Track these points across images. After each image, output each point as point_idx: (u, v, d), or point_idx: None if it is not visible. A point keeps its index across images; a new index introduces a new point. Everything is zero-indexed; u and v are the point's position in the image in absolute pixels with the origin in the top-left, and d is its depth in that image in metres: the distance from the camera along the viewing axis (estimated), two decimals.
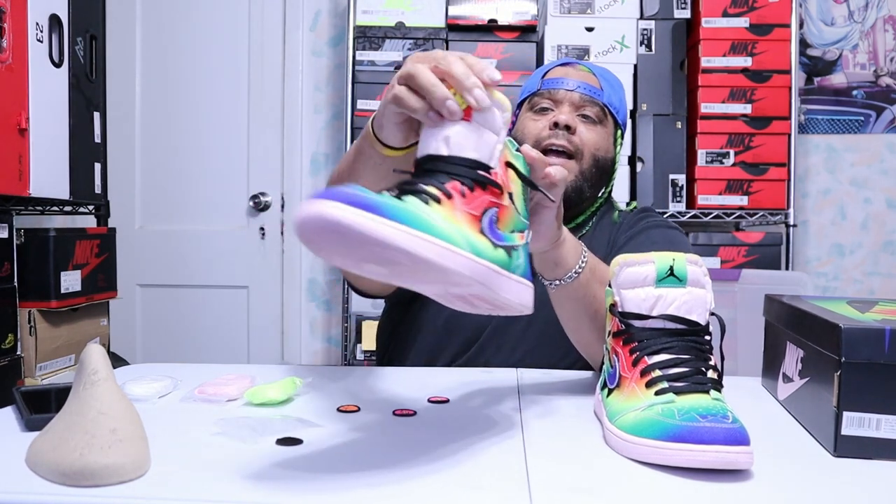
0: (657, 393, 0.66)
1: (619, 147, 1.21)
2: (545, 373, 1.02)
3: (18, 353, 1.73)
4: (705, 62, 2.24)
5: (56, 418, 0.63)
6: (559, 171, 0.74)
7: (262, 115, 2.70)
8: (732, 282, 1.93)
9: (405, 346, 1.18)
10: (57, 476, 0.57)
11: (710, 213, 2.26)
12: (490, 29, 2.29)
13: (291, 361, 2.70)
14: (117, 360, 2.11)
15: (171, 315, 2.75)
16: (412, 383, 0.95)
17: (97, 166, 2.02)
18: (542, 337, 1.12)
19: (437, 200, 0.59)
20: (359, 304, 2.36)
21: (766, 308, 0.94)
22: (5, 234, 1.69)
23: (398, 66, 2.27)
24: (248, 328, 2.74)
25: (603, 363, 0.79)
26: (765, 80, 2.24)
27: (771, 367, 0.91)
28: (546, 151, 1.10)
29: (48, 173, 1.75)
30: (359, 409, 0.81)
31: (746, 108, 2.24)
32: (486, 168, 0.64)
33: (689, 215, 2.27)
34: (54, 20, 1.77)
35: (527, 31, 2.30)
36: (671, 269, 0.71)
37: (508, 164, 0.67)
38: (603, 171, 1.17)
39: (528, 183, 0.70)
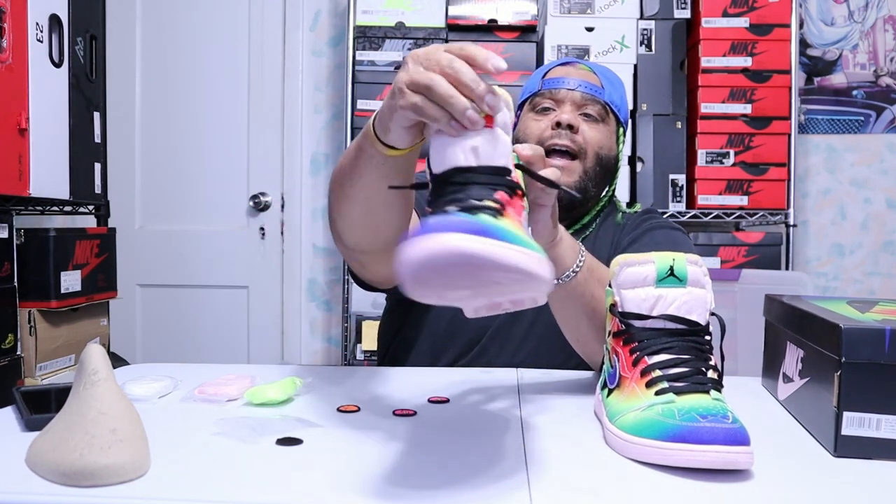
0: (657, 393, 0.66)
1: (621, 144, 1.21)
2: (545, 373, 1.02)
3: (18, 353, 1.73)
4: (705, 62, 2.24)
5: (56, 418, 0.63)
6: (553, 173, 0.74)
7: (262, 115, 2.70)
8: (732, 282, 1.93)
9: (407, 348, 1.18)
10: (57, 476, 0.57)
11: (710, 213, 2.26)
12: (490, 29, 2.29)
13: (291, 361, 2.70)
14: (117, 360, 2.11)
15: (171, 315, 2.75)
16: (412, 383, 0.95)
17: (97, 166, 2.02)
18: (544, 338, 1.12)
19: (501, 213, 0.58)
20: (359, 304, 2.36)
21: (766, 308, 0.94)
22: (5, 234, 1.69)
23: (398, 66, 2.27)
24: (248, 328, 2.74)
25: (602, 363, 0.79)
26: (765, 80, 2.24)
27: (771, 367, 0.91)
28: (549, 152, 1.10)
29: (48, 173, 1.75)
30: (359, 410, 0.81)
31: (746, 108, 2.24)
32: (510, 172, 0.64)
33: (689, 215, 2.27)
34: (54, 20, 1.77)
35: (527, 31, 2.30)
36: (671, 269, 0.71)
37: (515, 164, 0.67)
38: (606, 169, 1.18)
39: (536, 178, 0.70)
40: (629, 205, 1.31)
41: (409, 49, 2.27)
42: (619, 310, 0.73)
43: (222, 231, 2.73)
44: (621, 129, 1.20)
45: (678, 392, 0.65)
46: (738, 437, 0.59)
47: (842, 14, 2.58)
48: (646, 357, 0.69)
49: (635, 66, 2.27)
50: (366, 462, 0.64)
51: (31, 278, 1.77)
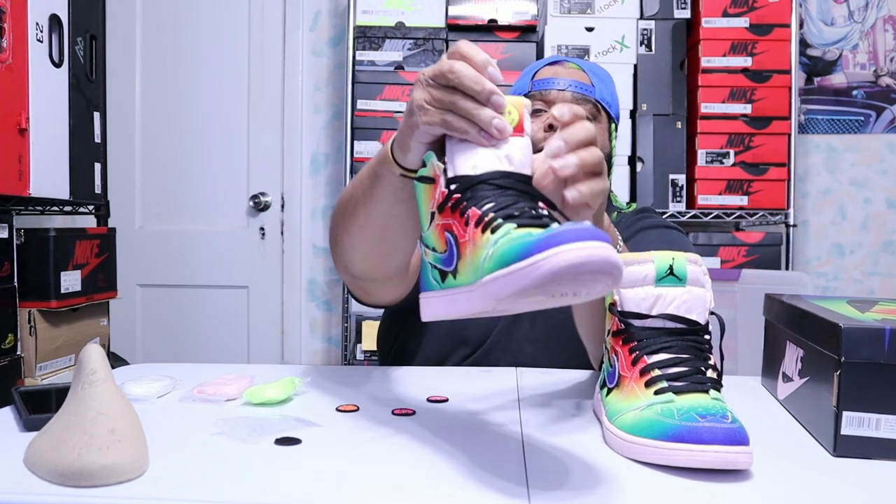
0: (656, 392, 0.66)
1: (614, 141, 1.20)
2: (545, 372, 1.02)
3: (18, 353, 1.73)
4: (705, 62, 2.24)
5: (54, 418, 0.63)
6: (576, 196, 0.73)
7: (262, 115, 2.71)
8: (732, 282, 1.93)
9: (410, 354, 1.18)
10: (55, 476, 0.57)
11: (710, 213, 2.26)
12: (490, 29, 2.29)
13: (291, 361, 2.70)
14: (117, 360, 2.11)
15: (171, 315, 2.75)
16: (411, 383, 0.95)
17: (97, 166, 2.02)
18: (547, 337, 1.12)
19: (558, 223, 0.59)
20: (359, 304, 2.36)
21: (765, 307, 0.94)
22: (5, 234, 1.69)
23: (398, 66, 2.27)
24: (248, 328, 2.74)
25: (602, 362, 0.79)
26: (765, 80, 2.24)
27: (771, 367, 0.91)
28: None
29: (48, 173, 1.75)
30: (358, 409, 0.81)
31: (746, 108, 2.24)
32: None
33: (689, 215, 2.27)
34: (54, 20, 1.77)
35: (527, 31, 2.30)
36: (671, 268, 0.70)
37: None
38: None
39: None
40: (628, 204, 1.31)
41: (409, 49, 2.27)
42: (619, 309, 0.72)
43: (222, 231, 2.73)
44: (613, 126, 1.20)
45: (677, 391, 0.65)
46: (738, 437, 0.59)
47: (842, 14, 2.58)
48: (645, 356, 0.69)
49: (635, 66, 2.27)
50: (365, 462, 0.64)
51: (31, 278, 1.77)
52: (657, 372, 0.67)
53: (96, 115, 2.01)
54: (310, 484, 0.58)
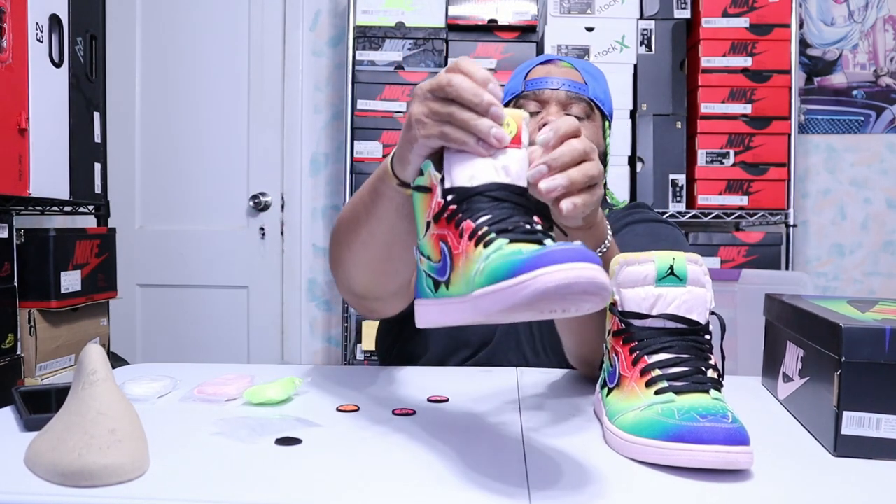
0: (657, 392, 0.66)
1: (608, 139, 1.20)
2: (545, 372, 1.02)
3: (18, 353, 1.73)
4: (705, 62, 2.24)
5: (55, 418, 0.63)
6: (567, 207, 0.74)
7: (262, 115, 2.70)
8: (732, 282, 1.93)
9: (411, 356, 1.17)
10: (55, 476, 0.57)
11: (710, 213, 2.26)
12: (490, 29, 2.29)
13: (291, 361, 2.70)
14: (117, 360, 2.11)
15: (171, 315, 2.75)
16: (412, 383, 0.95)
17: (97, 166, 2.02)
18: (547, 341, 1.11)
19: (554, 237, 0.60)
20: None
21: (766, 307, 0.94)
22: (5, 234, 1.69)
23: (398, 66, 2.27)
24: (248, 328, 2.74)
25: (602, 363, 0.79)
26: (765, 80, 2.24)
27: (771, 367, 0.91)
28: None
29: (48, 173, 1.75)
30: (358, 409, 0.81)
31: (746, 108, 2.24)
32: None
33: (689, 215, 2.27)
34: (54, 20, 1.77)
35: (527, 31, 2.30)
36: (671, 268, 0.70)
37: None
38: None
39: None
40: (623, 201, 1.30)
41: (409, 49, 2.27)
42: (619, 309, 0.72)
43: (222, 231, 2.73)
44: (607, 123, 1.19)
45: (678, 391, 0.65)
46: (738, 437, 0.59)
47: (842, 14, 2.58)
48: (645, 356, 0.69)
49: (635, 66, 2.27)
50: (365, 461, 0.64)
51: (31, 278, 1.77)
52: (658, 372, 0.67)
53: (96, 115, 2.01)
54: (310, 484, 0.58)
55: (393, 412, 0.79)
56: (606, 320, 0.77)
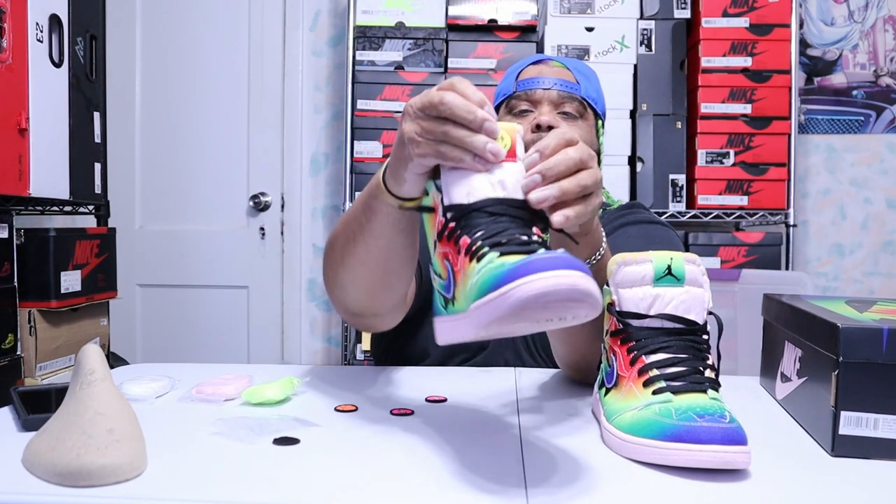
0: (655, 392, 0.66)
1: (601, 137, 1.20)
2: (543, 372, 1.02)
3: (18, 353, 1.73)
4: (705, 62, 2.24)
5: (53, 418, 0.63)
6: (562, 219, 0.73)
7: (262, 115, 2.71)
8: (732, 282, 1.93)
9: (409, 359, 1.17)
10: (54, 476, 0.57)
11: (710, 213, 2.26)
12: (490, 29, 2.29)
13: (291, 361, 2.70)
14: (117, 360, 2.11)
15: (171, 315, 2.75)
16: (410, 383, 0.95)
17: (97, 166, 2.02)
18: (544, 346, 1.11)
19: (547, 247, 0.60)
20: None
21: (764, 307, 0.94)
22: (5, 234, 1.69)
23: (398, 66, 2.27)
24: (248, 328, 2.75)
25: (596, 367, 0.79)
26: (765, 80, 2.24)
27: (769, 367, 0.91)
28: None
29: (48, 173, 1.75)
30: (357, 409, 0.81)
31: (746, 108, 2.24)
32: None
33: (689, 215, 2.27)
34: (54, 20, 1.77)
35: (527, 31, 2.30)
36: (669, 268, 0.70)
37: None
38: None
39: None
40: (618, 201, 1.29)
41: (409, 49, 2.27)
42: (617, 309, 0.72)
43: (222, 231, 2.73)
44: (600, 122, 1.19)
45: (675, 391, 0.65)
46: (736, 437, 0.59)
47: (842, 14, 2.58)
48: (643, 356, 0.69)
49: (635, 66, 2.27)
50: (363, 461, 0.64)
51: (31, 278, 1.77)
52: (655, 372, 0.67)
53: (96, 115, 2.01)
54: (308, 484, 0.58)
55: (391, 412, 0.80)
56: (604, 320, 0.77)
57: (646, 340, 0.70)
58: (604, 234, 0.82)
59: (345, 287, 0.87)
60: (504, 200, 0.63)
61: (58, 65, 1.79)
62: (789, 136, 2.26)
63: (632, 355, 0.70)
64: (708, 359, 0.70)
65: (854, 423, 0.65)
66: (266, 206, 2.71)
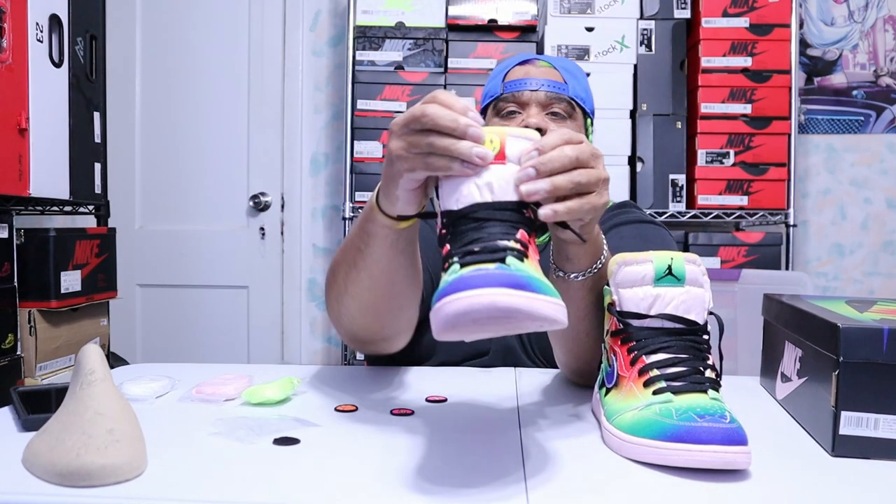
0: (655, 392, 0.66)
1: (590, 136, 1.19)
2: (543, 372, 1.02)
3: (18, 353, 1.73)
4: (705, 62, 2.24)
5: (53, 419, 0.63)
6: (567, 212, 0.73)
7: (262, 115, 2.71)
8: (732, 282, 1.93)
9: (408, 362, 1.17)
10: (53, 476, 0.57)
11: (710, 213, 2.26)
12: (490, 29, 2.29)
13: (291, 361, 2.70)
14: (117, 360, 2.11)
15: (171, 315, 2.75)
16: (410, 383, 0.95)
17: (97, 166, 2.02)
18: (539, 340, 1.11)
19: (525, 255, 0.61)
20: None
21: (764, 307, 0.94)
22: (5, 234, 1.69)
23: (398, 66, 2.27)
24: (248, 328, 2.74)
25: (596, 372, 0.79)
26: (765, 80, 2.24)
27: (769, 367, 0.91)
28: None
29: (48, 173, 1.75)
30: (357, 409, 0.81)
31: (746, 108, 2.24)
32: (526, 206, 0.65)
33: (689, 215, 2.27)
34: (54, 20, 1.77)
35: (527, 31, 2.30)
36: (669, 268, 0.70)
37: None
38: None
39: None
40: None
41: (409, 49, 2.27)
42: (617, 309, 0.72)
43: (222, 231, 2.73)
44: (589, 121, 1.18)
45: (676, 391, 0.65)
46: (736, 437, 0.59)
47: (842, 14, 2.58)
48: (643, 356, 0.69)
49: (635, 66, 2.27)
50: (363, 462, 0.64)
51: (31, 278, 1.77)
52: (656, 372, 0.67)
53: (96, 115, 2.01)
54: (308, 484, 0.58)
55: (391, 412, 0.80)
56: (605, 320, 0.77)
57: (646, 340, 0.70)
58: (605, 242, 0.81)
59: (352, 316, 0.87)
60: (490, 204, 0.63)
61: (58, 65, 1.79)
62: (789, 136, 2.26)
63: (632, 355, 0.70)
64: (708, 359, 0.70)
65: (854, 423, 0.65)
66: (266, 206, 2.71)
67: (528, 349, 1.13)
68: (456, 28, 2.29)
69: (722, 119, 2.25)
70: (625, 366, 0.70)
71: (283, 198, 2.71)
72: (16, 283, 1.73)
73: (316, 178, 2.71)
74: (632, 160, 2.28)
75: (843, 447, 0.66)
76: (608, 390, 0.72)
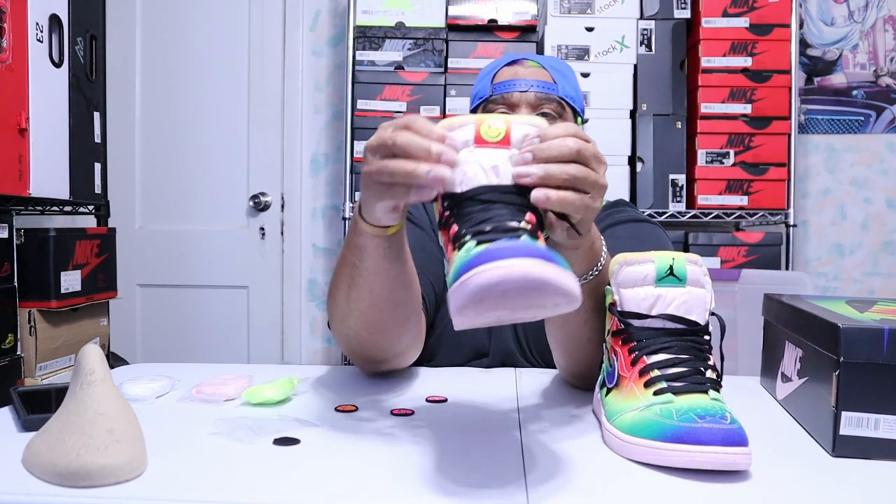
0: (655, 393, 0.66)
1: None
2: (544, 372, 1.02)
3: (18, 353, 1.73)
4: (705, 62, 2.24)
5: (53, 419, 0.63)
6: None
7: (262, 115, 2.70)
8: (732, 282, 1.92)
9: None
10: (53, 477, 0.57)
11: (710, 213, 2.26)
12: (490, 29, 2.29)
13: (291, 361, 2.70)
14: (117, 360, 2.11)
15: (171, 315, 2.75)
16: (410, 383, 0.95)
17: (97, 166, 2.02)
18: (537, 342, 1.11)
19: (536, 235, 0.61)
20: None
21: (765, 307, 0.94)
22: (5, 234, 1.69)
23: (398, 66, 2.27)
24: (248, 328, 2.74)
25: (601, 365, 0.79)
26: (765, 80, 2.24)
27: (770, 367, 0.91)
28: None
29: (48, 173, 1.75)
30: (357, 409, 0.81)
31: (746, 108, 2.24)
32: (529, 190, 0.65)
33: (689, 215, 2.27)
34: (54, 20, 1.77)
35: (527, 31, 2.30)
36: (671, 268, 0.70)
37: None
38: None
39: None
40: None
41: (409, 49, 2.27)
42: (618, 309, 0.72)
43: (222, 231, 2.73)
44: (579, 120, 1.17)
45: (676, 392, 0.65)
46: (737, 438, 0.59)
47: (842, 14, 2.58)
48: (644, 357, 0.69)
49: (635, 66, 2.27)
50: (363, 462, 0.64)
51: (31, 278, 1.77)
52: (656, 372, 0.67)
53: (96, 115, 2.01)
54: (308, 484, 0.58)
55: (391, 412, 0.79)
56: (606, 320, 0.77)
57: (647, 341, 0.70)
58: (604, 247, 0.81)
59: (361, 337, 0.86)
60: (497, 187, 0.63)
61: (58, 65, 1.79)
62: (789, 136, 2.26)
63: (633, 355, 0.70)
64: (709, 359, 0.69)
65: (855, 424, 0.65)
66: (266, 206, 2.71)
67: (526, 353, 1.13)
68: (456, 28, 2.29)
69: (722, 119, 2.25)
70: (625, 366, 0.70)
71: (283, 198, 2.71)
72: (16, 283, 1.72)
73: (316, 178, 2.71)
74: (632, 160, 2.27)
75: (844, 447, 0.66)
76: (609, 390, 0.72)
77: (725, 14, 2.24)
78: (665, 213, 2.25)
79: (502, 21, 2.26)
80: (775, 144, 2.25)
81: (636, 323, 0.71)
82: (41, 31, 1.70)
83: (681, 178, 2.27)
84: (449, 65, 2.28)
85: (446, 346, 1.12)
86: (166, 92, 2.72)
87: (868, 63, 2.57)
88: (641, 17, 2.28)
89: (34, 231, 1.79)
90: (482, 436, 0.72)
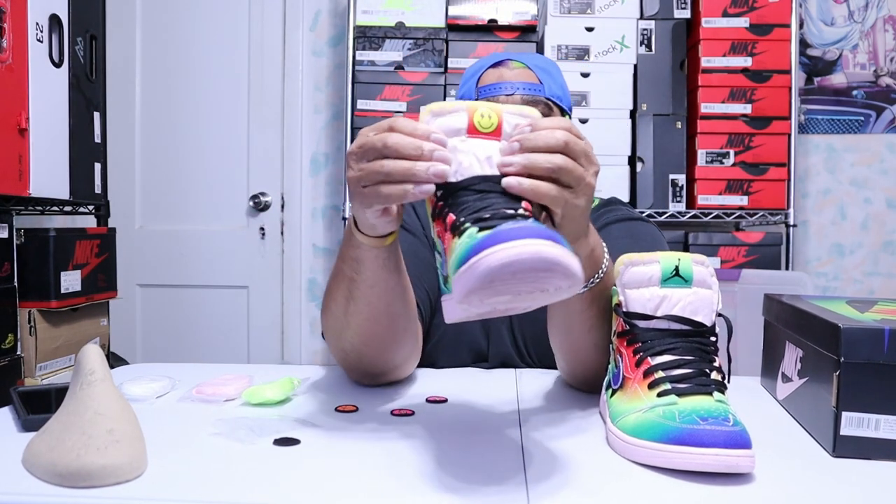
0: (660, 394, 0.66)
1: None
2: (544, 373, 1.02)
3: (18, 353, 1.73)
4: (705, 62, 2.24)
5: (53, 419, 0.62)
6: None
7: (262, 115, 2.70)
8: (732, 282, 1.92)
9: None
10: (53, 477, 0.57)
11: (710, 213, 2.26)
12: (490, 29, 2.29)
13: (291, 361, 2.70)
14: (117, 360, 2.11)
15: (171, 315, 2.74)
16: (411, 383, 0.95)
17: (97, 166, 2.02)
18: (536, 345, 1.11)
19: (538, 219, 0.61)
20: None
21: (765, 307, 0.93)
22: (5, 234, 1.68)
23: (398, 66, 2.27)
24: (248, 328, 2.74)
25: (607, 365, 0.78)
26: (765, 80, 2.24)
27: (770, 367, 0.91)
28: None
29: (48, 173, 1.75)
30: (357, 410, 0.81)
31: (746, 108, 2.24)
32: None
33: (689, 215, 2.27)
34: (54, 20, 1.76)
35: (527, 31, 2.30)
36: (676, 269, 0.70)
37: None
38: None
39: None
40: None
41: (409, 49, 2.27)
42: (624, 310, 0.72)
43: (222, 231, 2.73)
44: (567, 118, 1.17)
45: (680, 393, 0.65)
46: (739, 440, 0.59)
47: (842, 14, 2.58)
48: (649, 358, 0.69)
49: (635, 66, 2.27)
50: (363, 462, 0.63)
51: (31, 278, 1.77)
52: (661, 374, 0.67)
53: (96, 115, 2.01)
54: (308, 485, 0.58)
55: (392, 413, 0.79)
56: (612, 321, 0.77)
57: (652, 342, 0.69)
58: (606, 253, 0.80)
59: (358, 351, 0.86)
60: (491, 177, 0.63)
61: (58, 65, 1.79)
62: (789, 136, 2.26)
63: (637, 356, 0.69)
64: (714, 361, 0.69)
65: (855, 424, 0.65)
66: (266, 206, 2.70)
67: (524, 356, 1.13)
68: (456, 28, 2.29)
69: (722, 119, 2.24)
70: (630, 367, 0.70)
71: (283, 198, 2.71)
72: (16, 283, 1.72)
73: (316, 178, 2.71)
74: (632, 160, 2.27)
75: (844, 448, 0.66)
76: (614, 392, 0.72)
77: (725, 14, 2.24)
78: (665, 213, 2.25)
79: (502, 21, 2.26)
80: (775, 144, 2.25)
81: (641, 324, 0.70)
82: (41, 31, 1.70)
83: (681, 178, 2.27)
84: (449, 65, 2.28)
85: (445, 352, 1.12)
86: (166, 92, 2.72)
87: (868, 63, 2.57)
88: (641, 17, 2.28)
89: (34, 231, 1.79)
90: (482, 436, 0.72)
